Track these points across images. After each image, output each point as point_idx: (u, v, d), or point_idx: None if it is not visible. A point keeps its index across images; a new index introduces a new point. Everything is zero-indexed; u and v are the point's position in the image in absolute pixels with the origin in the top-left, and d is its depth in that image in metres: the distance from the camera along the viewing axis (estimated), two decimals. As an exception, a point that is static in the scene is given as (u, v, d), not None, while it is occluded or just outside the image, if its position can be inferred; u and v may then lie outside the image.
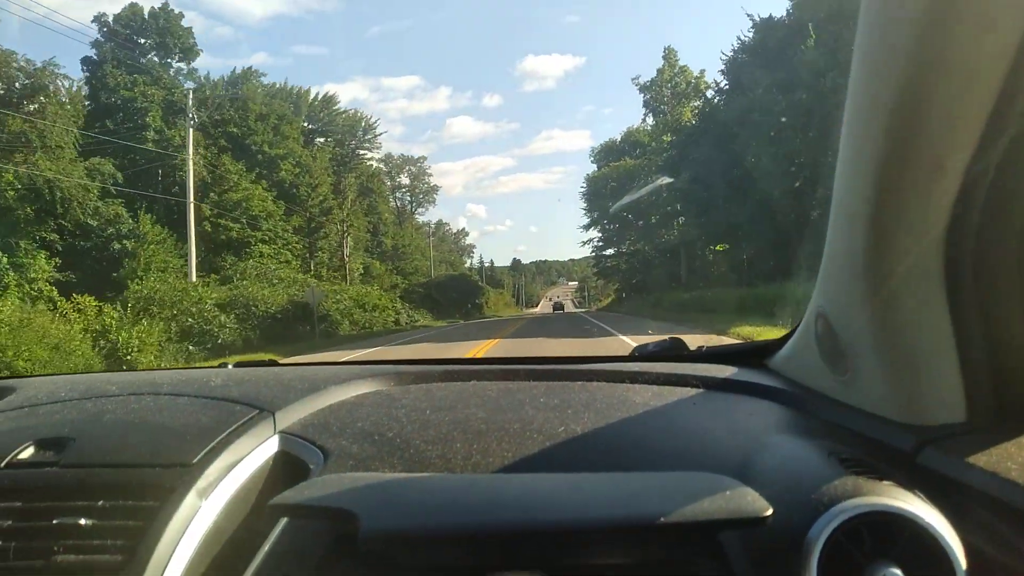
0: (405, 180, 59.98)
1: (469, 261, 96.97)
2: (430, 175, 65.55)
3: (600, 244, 51.15)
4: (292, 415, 0.90)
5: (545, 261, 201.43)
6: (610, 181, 46.94)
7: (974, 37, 0.49)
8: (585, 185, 51.27)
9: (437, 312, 40.45)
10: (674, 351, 1.20)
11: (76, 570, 0.70)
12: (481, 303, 53.80)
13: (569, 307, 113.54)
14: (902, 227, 0.60)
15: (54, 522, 0.73)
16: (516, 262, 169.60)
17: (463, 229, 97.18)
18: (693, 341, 1.29)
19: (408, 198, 61.29)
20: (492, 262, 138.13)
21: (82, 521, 0.73)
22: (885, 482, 0.59)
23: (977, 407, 0.64)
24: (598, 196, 48.40)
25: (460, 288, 50.60)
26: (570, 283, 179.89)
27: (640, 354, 1.24)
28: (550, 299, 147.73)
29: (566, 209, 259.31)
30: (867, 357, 0.70)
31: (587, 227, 50.66)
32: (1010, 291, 0.61)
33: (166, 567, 0.69)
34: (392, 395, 1.00)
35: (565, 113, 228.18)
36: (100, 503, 0.74)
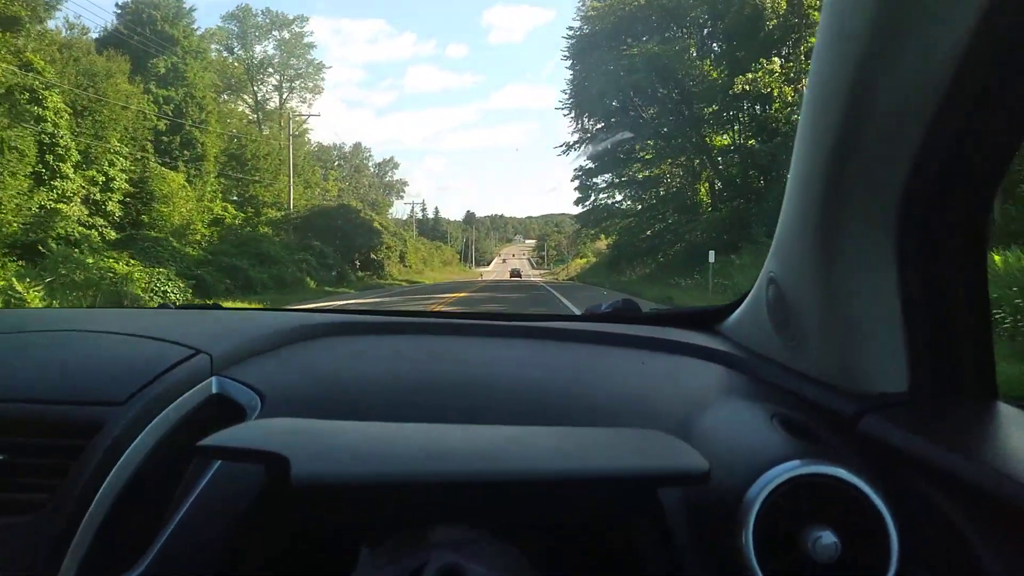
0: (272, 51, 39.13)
1: (397, 203, 78.70)
2: (312, 45, 43.66)
3: (590, 167, 31.27)
4: (231, 357, 0.85)
5: (501, 216, 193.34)
6: (609, 21, 27.54)
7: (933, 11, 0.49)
8: (570, 40, 30.22)
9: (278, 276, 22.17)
10: (626, 312, 1.18)
11: None
12: (381, 260, 34.26)
13: (526, 270, 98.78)
14: (856, 197, 0.61)
15: None
16: (470, 215, 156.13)
17: (391, 159, 77.43)
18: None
19: (285, 84, 40.64)
20: (437, 211, 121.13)
21: (1, 456, 0.69)
22: (825, 447, 0.61)
23: (918, 378, 0.64)
24: (591, 52, 28.52)
25: (336, 231, 30.87)
26: (527, 241, 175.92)
27: (592, 314, 1.22)
28: (504, 259, 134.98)
29: (527, 166, 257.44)
30: (815, 324, 0.71)
31: (570, 111, 30.89)
32: (958, 267, 0.62)
33: (90, 507, 0.66)
34: (336, 344, 0.97)
35: (531, 68, 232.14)
36: (20, 439, 0.70)
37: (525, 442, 0.60)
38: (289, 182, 31.99)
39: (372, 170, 72.07)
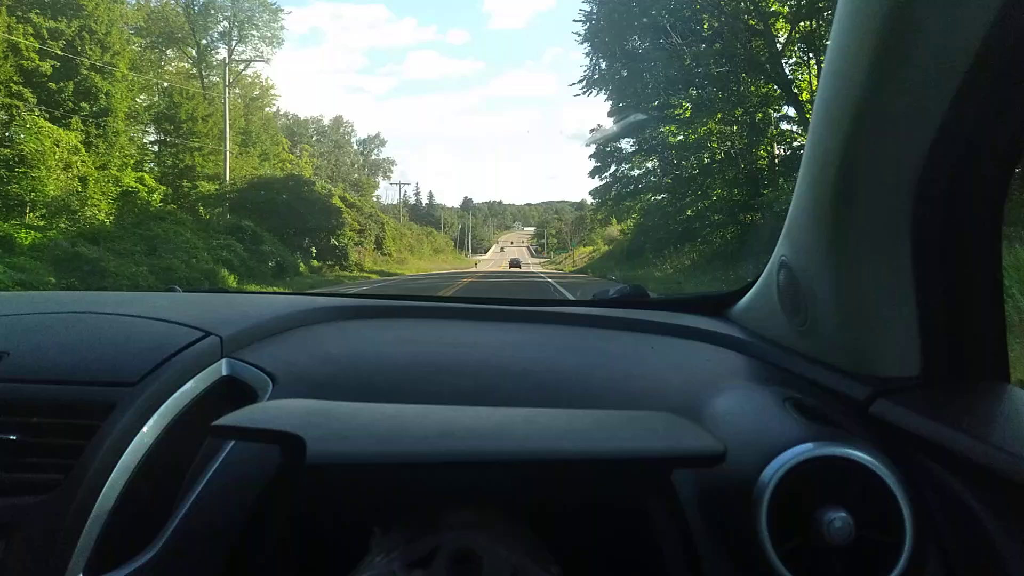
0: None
1: (385, 183, 71.90)
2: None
3: (611, 130, 25.02)
4: (241, 340, 0.86)
5: (499, 203, 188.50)
6: None
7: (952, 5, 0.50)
8: (586, 10, 24.29)
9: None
10: (635, 297, 1.18)
11: (7, 487, 0.67)
12: (344, 246, 26.92)
13: (525, 259, 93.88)
14: (870, 181, 0.61)
15: None
16: (467, 201, 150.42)
17: (378, 135, 69.99)
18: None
19: (235, 30, 33.45)
20: (431, 195, 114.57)
21: (13, 437, 0.69)
22: (838, 430, 0.61)
23: (930, 362, 0.65)
24: (610, 24, 22.47)
25: (280, 208, 23.91)
26: (526, 228, 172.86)
27: (601, 299, 1.21)
28: (502, 248, 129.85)
29: (527, 153, 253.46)
30: (827, 308, 0.71)
31: (587, 87, 24.11)
32: (972, 250, 0.62)
33: (103, 487, 0.67)
34: (347, 327, 0.98)
35: (532, 54, 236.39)
36: (35, 420, 0.70)
37: (539, 423, 0.59)
38: (224, 145, 25.18)
39: (355, 147, 65.39)
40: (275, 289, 12.63)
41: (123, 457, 0.68)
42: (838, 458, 0.56)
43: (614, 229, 40.79)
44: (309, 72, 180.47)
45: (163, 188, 22.06)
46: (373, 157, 68.52)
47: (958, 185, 0.59)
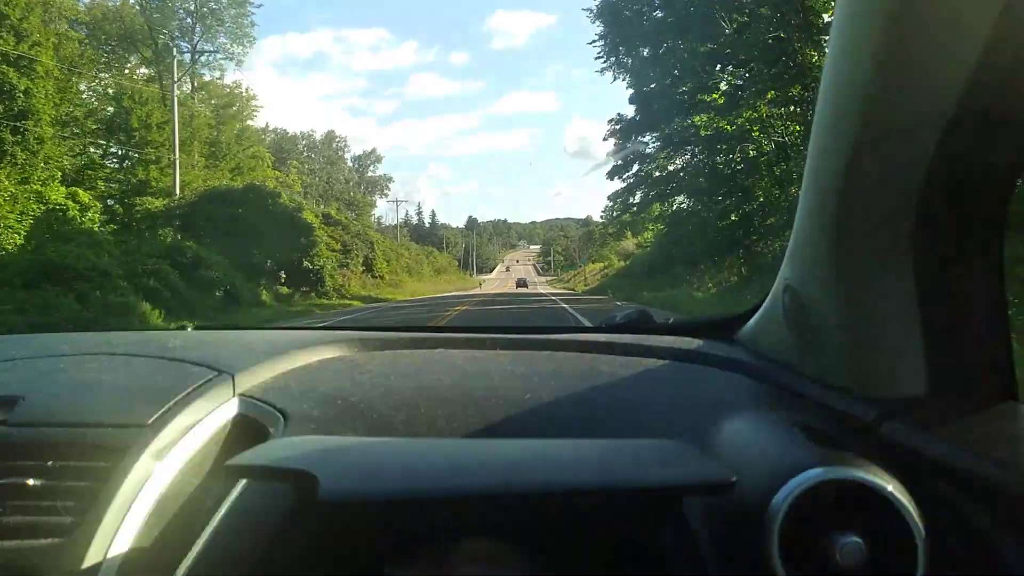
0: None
1: (381, 202, 68.22)
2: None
3: (632, 118, 20.70)
4: (252, 378, 0.87)
5: (504, 221, 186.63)
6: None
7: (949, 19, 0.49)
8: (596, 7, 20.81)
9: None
10: (641, 323, 1.19)
11: (23, 531, 0.68)
12: (319, 269, 22.90)
13: (531, 277, 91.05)
14: (871, 202, 0.62)
15: (1, 482, 0.70)
16: (472, 220, 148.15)
17: (373, 151, 66.25)
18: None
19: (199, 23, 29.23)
20: (434, 215, 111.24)
21: (30, 481, 0.70)
22: (848, 453, 0.61)
23: (938, 381, 0.65)
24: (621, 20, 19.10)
25: (238, 225, 20.14)
26: (532, 247, 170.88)
27: (607, 325, 1.23)
28: (507, 267, 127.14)
29: (531, 172, 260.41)
30: (832, 330, 0.72)
31: (608, 67, 20.50)
32: (975, 268, 0.63)
33: (118, 529, 0.68)
34: (356, 360, 0.99)
35: (534, 73, 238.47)
36: (50, 463, 0.71)
37: (549, 455, 0.60)
38: (174, 153, 21.49)
39: (350, 164, 61.97)
40: (239, 323, 9.94)
41: (137, 499, 0.69)
42: (849, 481, 0.56)
43: (629, 243, 36.90)
44: (313, 97, 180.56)
45: (98, 205, 18.39)
46: (369, 174, 65.04)
47: (958, 204, 0.59)
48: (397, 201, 66.63)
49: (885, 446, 0.63)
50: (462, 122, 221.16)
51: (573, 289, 43.40)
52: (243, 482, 0.66)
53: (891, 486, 0.55)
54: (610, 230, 36.18)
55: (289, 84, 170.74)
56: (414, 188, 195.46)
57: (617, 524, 0.63)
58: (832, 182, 0.63)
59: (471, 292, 39.99)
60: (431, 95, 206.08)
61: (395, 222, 66.56)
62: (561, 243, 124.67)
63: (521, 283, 60.94)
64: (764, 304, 0.93)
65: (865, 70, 0.55)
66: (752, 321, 0.98)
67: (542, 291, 41.92)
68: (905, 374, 0.65)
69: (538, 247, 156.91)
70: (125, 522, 0.67)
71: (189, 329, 1.31)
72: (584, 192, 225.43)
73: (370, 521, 0.60)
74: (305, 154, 50.97)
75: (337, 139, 58.00)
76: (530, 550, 0.61)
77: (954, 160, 0.56)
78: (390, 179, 67.68)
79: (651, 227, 25.94)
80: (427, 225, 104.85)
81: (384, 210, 66.31)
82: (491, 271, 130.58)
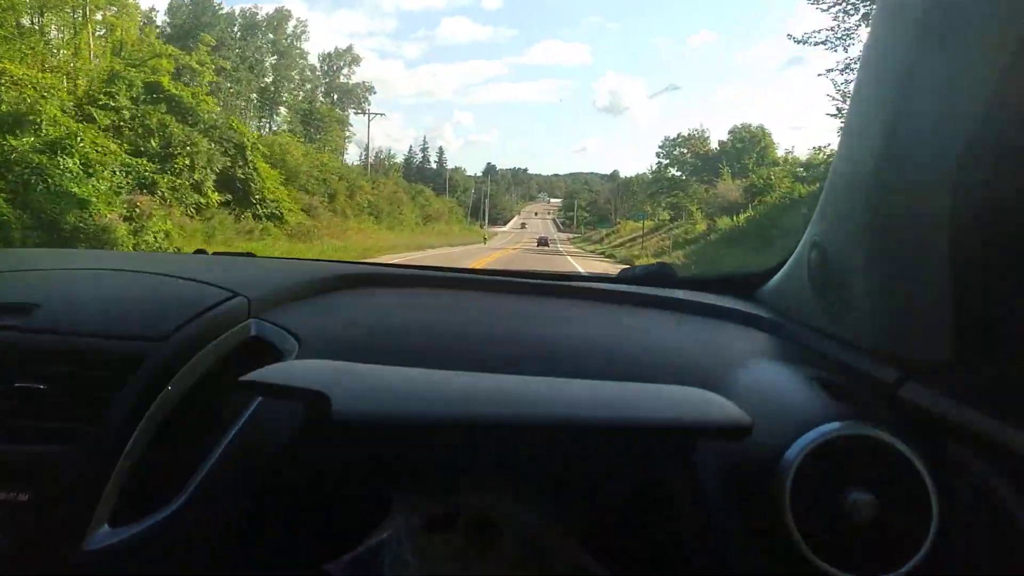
0: None
1: (356, 120, 54.14)
2: None
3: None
4: (269, 301, 0.86)
5: (525, 170, 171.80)
6: None
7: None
8: None
9: None
10: (661, 276, 1.17)
11: (35, 436, 0.70)
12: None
13: (551, 233, 78.77)
14: (908, 161, 0.61)
15: (14, 385, 0.72)
16: (490, 167, 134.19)
17: (349, 48, 50.40)
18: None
19: None
20: (441, 152, 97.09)
21: (43, 386, 0.72)
22: (865, 410, 0.62)
23: (961, 345, 0.63)
24: None
25: None
26: (552, 200, 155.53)
27: (627, 276, 1.21)
28: (523, 223, 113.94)
29: (557, 125, 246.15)
30: (858, 289, 0.71)
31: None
32: (1009, 232, 0.61)
33: (130, 439, 0.69)
34: (373, 294, 0.99)
35: (568, 23, 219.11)
36: (64, 370, 0.72)
37: (563, 391, 0.60)
38: None
39: (317, 64, 46.82)
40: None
41: (149, 410, 0.69)
42: (865, 438, 0.56)
43: (730, 185, 23.42)
44: (342, 35, 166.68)
45: None
46: (343, 80, 48.75)
47: (997, 168, 0.57)
48: (370, 113, 47.64)
49: (903, 407, 0.62)
50: (491, 69, 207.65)
51: (610, 256, 29.95)
52: (256, 400, 0.68)
53: (907, 445, 0.55)
54: (666, 174, 22.77)
55: (320, 18, 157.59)
56: (439, 135, 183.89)
57: (628, 465, 0.63)
58: (869, 139, 0.62)
59: (470, 250, 27.22)
60: (461, 41, 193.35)
61: (397, 158, 52.40)
62: (585, 197, 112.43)
63: (543, 242, 50.35)
64: (787, 262, 0.92)
65: (908, 30, 0.55)
66: (775, 279, 0.97)
67: (561, 249, 30.83)
68: (929, 337, 0.63)
69: (559, 200, 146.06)
70: (136, 433, 0.68)
71: (208, 254, 1.29)
72: (611, 146, 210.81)
73: (380, 445, 0.61)
74: (239, 35, 36.69)
75: (298, 23, 42.29)
76: (540, 485, 0.62)
77: (994, 128, 0.54)
78: (371, 88, 52.60)
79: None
80: (432, 166, 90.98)
81: (363, 135, 52.28)
82: (506, 224, 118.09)
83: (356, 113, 46.39)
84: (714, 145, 36.72)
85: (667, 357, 0.80)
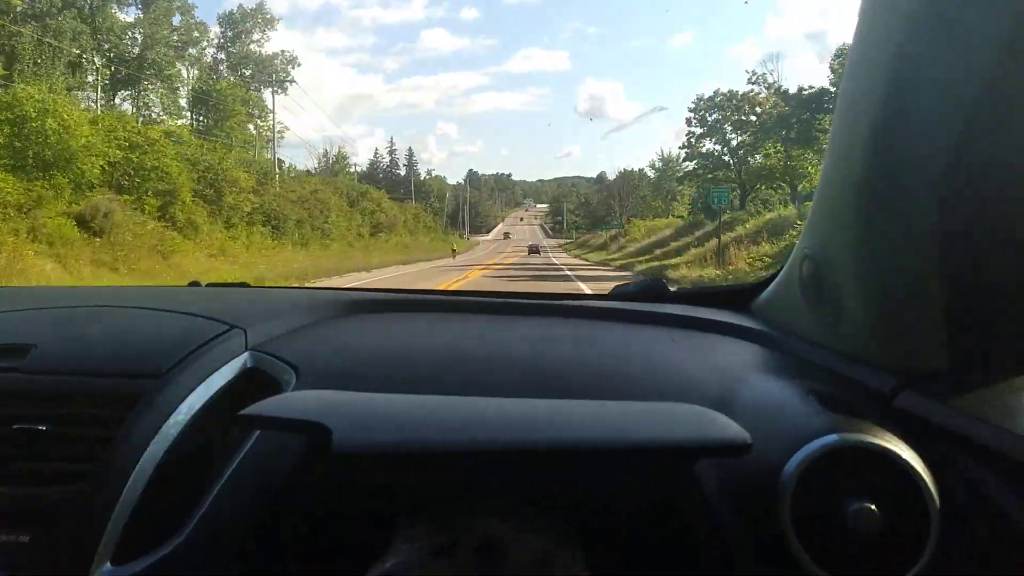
0: None
1: (286, 108, 43.38)
2: None
3: None
4: (264, 332, 0.86)
5: (509, 176, 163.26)
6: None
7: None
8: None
9: None
10: (654, 291, 1.17)
11: (35, 477, 0.70)
12: None
13: (539, 240, 70.80)
14: (897, 171, 0.60)
15: (13, 428, 0.72)
16: (472, 173, 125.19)
17: (260, 4, 38.74)
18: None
19: None
20: (411, 153, 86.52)
21: (43, 428, 0.72)
22: (863, 420, 0.61)
23: (957, 353, 0.64)
24: None
25: None
26: (539, 206, 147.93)
27: (620, 293, 1.21)
28: (506, 233, 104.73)
29: (539, 132, 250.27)
30: (852, 300, 0.71)
31: None
32: (1001, 240, 0.61)
33: (130, 478, 0.68)
34: (369, 321, 0.99)
35: (547, 31, 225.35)
36: (63, 411, 0.73)
37: (564, 413, 0.60)
38: None
39: (216, 30, 36.11)
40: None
41: (149, 447, 0.69)
42: (863, 448, 0.56)
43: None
44: (322, 53, 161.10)
45: None
46: (252, 47, 37.40)
47: (987, 172, 0.57)
48: (278, 80, 36.93)
49: (901, 416, 0.62)
50: (471, 79, 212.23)
51: (620, 269, 19.99)
52: (256, 433, 0.67)
53: (906, 454, 0.55)
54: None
55: (298, 39, 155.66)
56: (423, 147, 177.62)
57: (632, 485, 0.64)
58: (857, 150, 0.62)
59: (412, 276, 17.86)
60: (441, 53, 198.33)
61: (360, 164, 42.15)
62: (573, 200, 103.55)
63: (533, 249, 48.07)
64: (780, 275, 0.94)
65: (895, 40, 0.55)
66: (767, 291, 0.98)
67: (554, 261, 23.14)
68: (924, 346, 0.64)
69: (545, 206, 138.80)
70: (136, 470, 0.68)
71: (201, 286, 1.30)
72: (595, 151, 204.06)
73: (382, 475, 0.62)
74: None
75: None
76: (546, 508, 0.62)
77: (982, 133, 0.54)
78: (294, 60, 41.25)
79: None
80: (397, 172, 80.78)
81: (295, 130, 42.13)
82: (489, 232, 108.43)
83: (278, 93, 35.92)
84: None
85: (664, 374, 0.79)
